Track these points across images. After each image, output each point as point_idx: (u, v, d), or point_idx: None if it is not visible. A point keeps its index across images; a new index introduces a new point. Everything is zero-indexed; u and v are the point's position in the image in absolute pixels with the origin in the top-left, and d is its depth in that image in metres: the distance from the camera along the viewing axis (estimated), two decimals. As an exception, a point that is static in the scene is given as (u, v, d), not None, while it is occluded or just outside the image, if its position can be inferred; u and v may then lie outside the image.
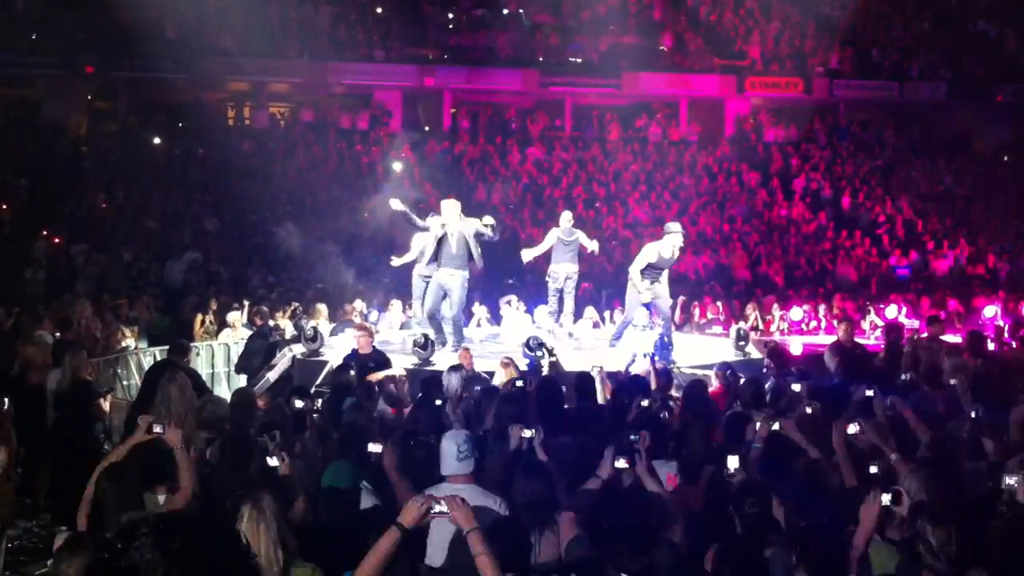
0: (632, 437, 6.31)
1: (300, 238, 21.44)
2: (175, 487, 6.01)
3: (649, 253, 13.53)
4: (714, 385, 10.14)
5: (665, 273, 13.60)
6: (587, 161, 30.57)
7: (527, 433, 6.61)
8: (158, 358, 12.92)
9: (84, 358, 9.96)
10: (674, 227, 13.70)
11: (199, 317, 17.52)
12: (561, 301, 15.38)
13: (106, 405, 8.84)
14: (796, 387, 9.09)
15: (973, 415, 7.63)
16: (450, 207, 13.27)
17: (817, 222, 27.83)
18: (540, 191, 28.14)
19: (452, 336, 13.27)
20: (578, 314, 17.04)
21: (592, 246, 15.18)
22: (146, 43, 27.74)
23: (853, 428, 6.79)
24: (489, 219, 13.66)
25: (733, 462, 6.04)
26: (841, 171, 31.38)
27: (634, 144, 32.15)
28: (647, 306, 13.84)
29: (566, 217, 15.52)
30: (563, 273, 15.17)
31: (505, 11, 34.35)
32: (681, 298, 19.48)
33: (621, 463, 5.99)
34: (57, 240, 22.49)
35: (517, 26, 34.41)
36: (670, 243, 13.46)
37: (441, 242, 13.05)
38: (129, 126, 29.60)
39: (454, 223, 13.09)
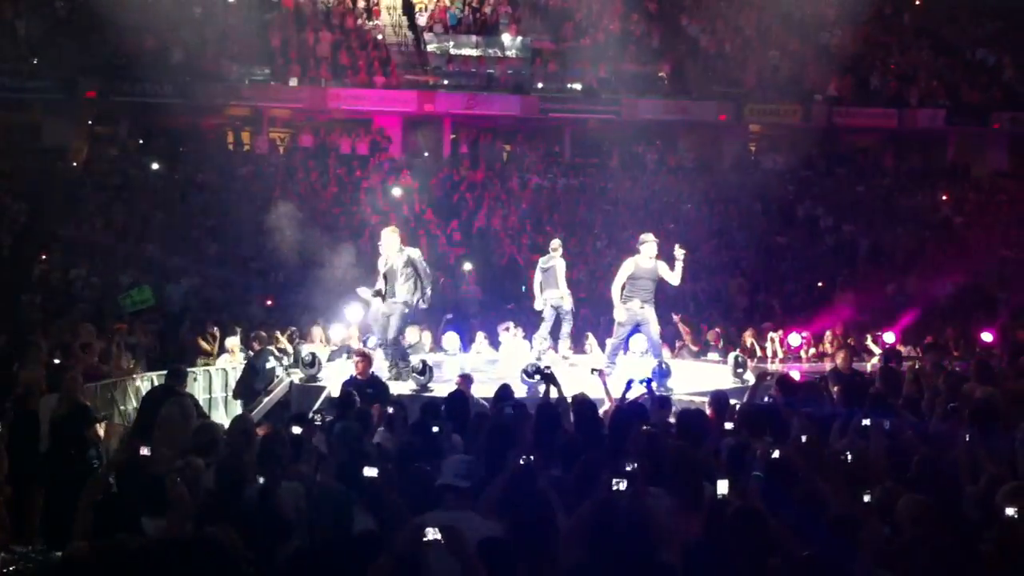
0: (628, 468, 6.25)
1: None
2: (168, 512, 5.97)
3: (626, 266, 13.61)
4: (707, 412, 10.09)
5: (651, 295, 13.53)
6: (586, 187, 30.60)
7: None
8: (156, 383, 12.87)
9: (79, 383, 9.94)
10: (647, 237, 13.76)
11: (201, 342, 17.44)
12: (555, 326, 15.48)
13: (101, 431, 8.80)
14: (789, 407, 9.09)
15: (968, 439, 7.63)
16: (386, 237, 13.31)
17: (816, 249, 27.79)
18: (539, 217, 28.14)
19: (388, 361, 13.39)
20: (578, 341, 17.02)
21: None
22: (146, 68, 27.90)
23: (848, 456, 6.77)
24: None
25: (723, 486, 6.01)
26: (840, 198, 31.41)
27: (633, 170, 32.20)
28: (635, 330, 13.82)
29: (551, 245, 15.76)
30: (548, 300, 15.42)
31: (505, 37, 34.46)
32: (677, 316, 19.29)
33: (619, 485, 5.92)
34: (54, 264, 22.44)
35: (516, 52, 34.48)
36: (646, 252, 13.51)
37: (388, 277, 13.17)
38: (129, 151, 29.61)
39: (392, 255, 13.14)
